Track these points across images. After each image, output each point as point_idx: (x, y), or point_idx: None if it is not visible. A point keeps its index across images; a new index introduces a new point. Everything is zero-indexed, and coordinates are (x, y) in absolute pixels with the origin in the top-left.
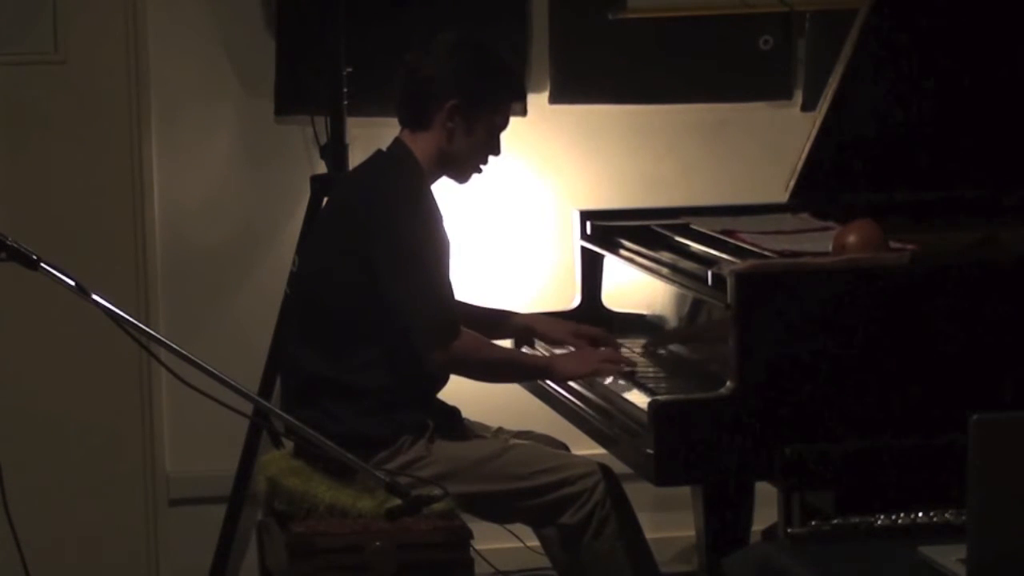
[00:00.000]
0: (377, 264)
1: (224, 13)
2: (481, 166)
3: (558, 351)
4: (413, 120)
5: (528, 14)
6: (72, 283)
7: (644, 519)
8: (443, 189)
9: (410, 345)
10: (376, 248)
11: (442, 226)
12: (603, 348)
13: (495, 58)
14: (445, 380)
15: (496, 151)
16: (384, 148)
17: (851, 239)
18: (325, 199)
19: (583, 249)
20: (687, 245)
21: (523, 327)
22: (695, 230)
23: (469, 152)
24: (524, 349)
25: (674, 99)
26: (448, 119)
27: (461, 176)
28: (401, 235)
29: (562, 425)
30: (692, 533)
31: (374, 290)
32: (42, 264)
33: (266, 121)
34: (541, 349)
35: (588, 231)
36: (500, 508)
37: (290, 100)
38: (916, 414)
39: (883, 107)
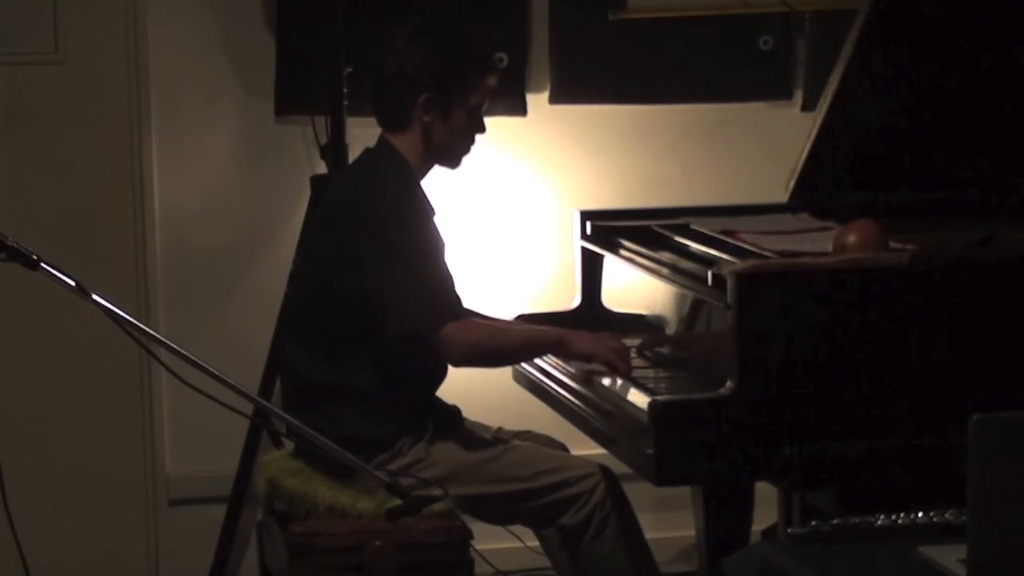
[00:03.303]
0: (370, 268)
1: (224, 13)
2: (470, 147)
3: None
4: (391, 122)
5: (528, 14)
6: (72, 283)
7: (644, 519)
8: (443, 189)
9: (419, 346)
10: (366, 251)
11: (433, 224)
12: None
13: (455, 39)
14: (442, 377)
15: (481, 128)
16: (372, 146)
17: (851, 239)
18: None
19: (583, 249)
20: (687, 245)
21: None
22: (695, 230)
23: (453, 138)
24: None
25: (674, 99)
26: (424, 113)
27: (452, 161)
28: (390, 237)
29: (562, 425)
30: (692, 533)
31: (369, 292)
32: (42, 264)
33: (266, 121)
34: (549, 359)
35: (588, 231)
36: (500, 509)
37: (290, 100)
38: (916, 414)
39: (883, 107)
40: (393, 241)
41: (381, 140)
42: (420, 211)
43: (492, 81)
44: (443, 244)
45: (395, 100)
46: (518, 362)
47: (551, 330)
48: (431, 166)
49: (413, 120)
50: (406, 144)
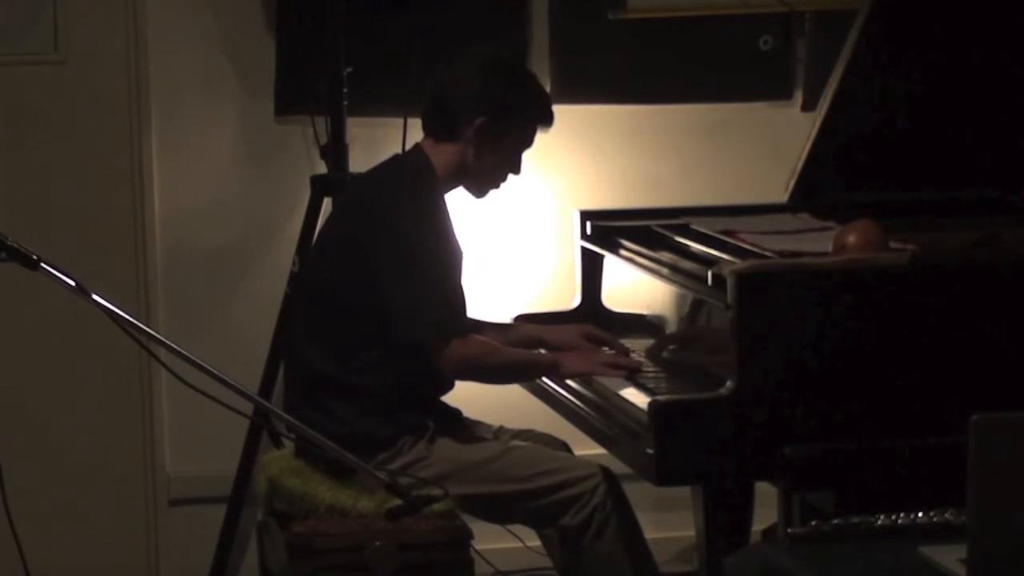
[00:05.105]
0: (382, 269)
1: (224, 13)
2: (500, 182)
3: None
4: (438, 131)
5: (528, 14)
6: (72, 283)
7: (644, 519)
8: (448, 194)
9: (421, 353)
10: (382, 253)
11: (452, 236)
12: (607, 350)
13: (528, 80)
14: (450, 385)
15: (516, 170)
16: (402, 152)
17: (851, 239)
18: (331, 198)
19: (583, 249)
20: (687, 245)
21: (533, 340)
22: (695, 230)
23: (490, 169)
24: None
25: (674, 99)
26: (475, 135)
27: (479, 190)
28: (408, 242)
29: (562, 425)
30: (692, 533)
31: (379, 292)
32: (42, 264)
33: (266, 121)
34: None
35: (588, 231)
36: (500, 509)
37: (290, 100)
38: (916, 414)
39: (883, 107)
40: (410, 246)
41: (416, 148)
42: (441, 221)
43: (546, 130)
44: (461, 256)
45: (451, 113)
46: (514, 382)
47: (547, 354)
48: (457, 186)
49: (460, 137)
50: (443, 157)
